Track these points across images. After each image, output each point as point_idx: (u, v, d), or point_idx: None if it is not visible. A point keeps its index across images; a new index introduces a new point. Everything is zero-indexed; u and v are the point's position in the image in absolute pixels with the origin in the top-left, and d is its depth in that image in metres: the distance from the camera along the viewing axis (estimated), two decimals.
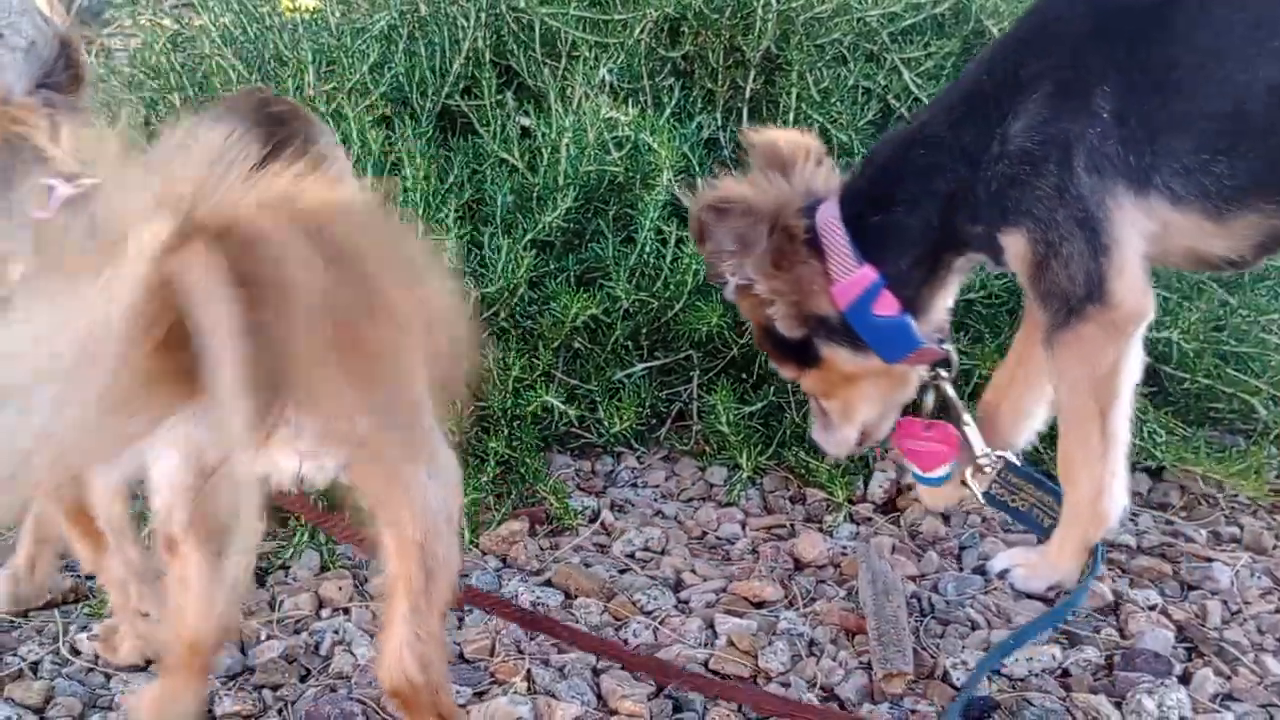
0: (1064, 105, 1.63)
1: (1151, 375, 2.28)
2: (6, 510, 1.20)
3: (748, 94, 2.57)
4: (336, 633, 1.76)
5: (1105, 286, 1.63)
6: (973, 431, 1.92)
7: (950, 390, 1.92)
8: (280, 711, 1.61)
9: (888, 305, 1.78)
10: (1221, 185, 1.60)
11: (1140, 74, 1.61)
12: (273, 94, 1.90)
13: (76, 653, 1.75)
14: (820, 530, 2.11)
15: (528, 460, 2.19)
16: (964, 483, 1.94)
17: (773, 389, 2.29)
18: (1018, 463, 1.91)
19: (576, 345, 2.32)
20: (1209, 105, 1.60)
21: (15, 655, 1.73)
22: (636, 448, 2.40)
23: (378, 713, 1.58)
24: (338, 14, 2.70)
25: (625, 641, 1.77)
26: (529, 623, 1.74)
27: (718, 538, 2.11)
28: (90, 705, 1.63)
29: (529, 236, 2.28)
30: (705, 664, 1.71)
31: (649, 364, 2.36)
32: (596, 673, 1.68)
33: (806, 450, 2.23)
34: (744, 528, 2.14)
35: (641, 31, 2.52)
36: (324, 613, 1.85)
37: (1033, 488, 1.87)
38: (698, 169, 2.37)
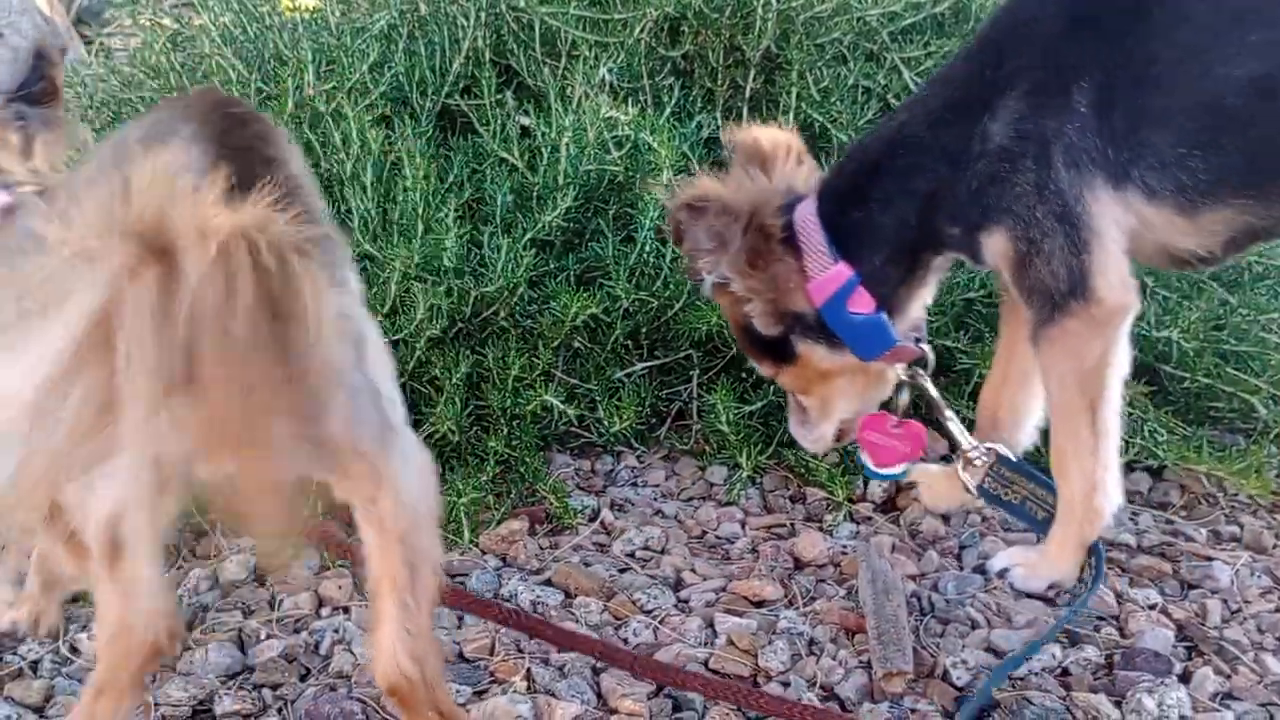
0: (1042, 102, 1.64)
1: (1152, 374, 2.29)
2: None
3: (748, 93, 2.57)
4: (336, 631, 1.76)
5: (1089, 282, 1.64)
6: (957, 426, 1.93)
7: (930, 386, 1.93)
8: (280, 711, 1.61)
9: (863, 303, 1.80)
10: (1197, 179, 1.61)
11: (1118, 68, 1.62)
12: (225, 94, 1.89)
13: (76, 651, 1.75)
14: (820, 529, 2.11)
15: (527, 459, 2.19)
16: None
17: (772, 388, 2.29)
18: (1012, 456, 1.92)
19: (576, 344, 2.32)
20: (1187, 99, 1.61)
21: (15, 654, 1.74)
22: (636, 447, 2.40)
23: (378, 712, 1.58)
24: (338, 13, 2.70)
25: (625, 640, 1.77)
26: (516, 624, 1.74)
27: (718, 537, 2.11)
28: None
29: (529, 236, 2.28)
30: (705, 663, 1.71)
31: (649, 363, 2.36)
32: (596, 671, 1.68)
33: (806, 450, 2.23)
34: (744, 527, 2.14)
35: (641, 31, 2.52)
36: (324, 611, 1.85)
37: (1025, 480, 1.88)
38: (698, 168, 2.36)
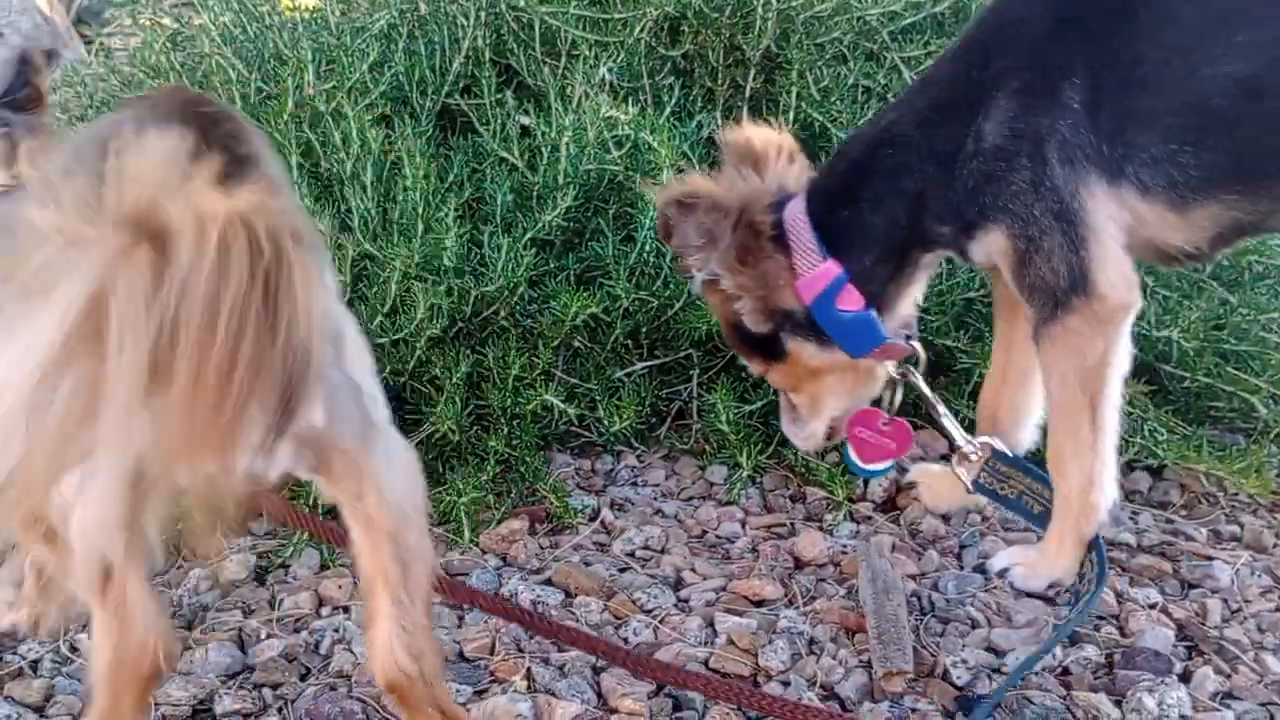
0: (1034, 99, 1.64)
1: (1152, 374, 2.29)
2: None
3: (748, 93, 2.57)
4: (336, 631, 1.76)
5: (1089, 278, 1.64)
6: (950, 422, 1.94)
7: (922, 383, 1.93)
8: (280, 710, 1.61)
9: (852, 300, 1.80)
10: (1188, 176, 1.62)
11: (1109, 67, 1.63)
12: (194, 93, 1.88)
13: (76, 651, 1.75)
14: (820, 529, 2.11)
15: (528, 459, 2.19)
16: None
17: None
18: (1008, 452, 1.92)
19: (576, 344, 2.32)
20: (1177, 98, 1.62)
21: (15, 653, 1.74)
22: (636, 446, 2.40)
23: (378, 711, 1.58)
24: (337, 13, 2.70)
25: (625, 640, 1.77)
26: (517, 618, 1.74)
27: (718, 536, 2.11)
28: (90, 704, 1.63)
29: (529, 235, 2.28)
30: (705, 662, 1.71)
31: (649, 363, 2.36)
32: (596, 671, 1.68)
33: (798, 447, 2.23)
34: (744, 526, 2.14)
35: (641, 30, 2.52)
36: (324, 611, 1.85)
37: (1021, 475, 1.89)
38: (697, 168, 2.36)
